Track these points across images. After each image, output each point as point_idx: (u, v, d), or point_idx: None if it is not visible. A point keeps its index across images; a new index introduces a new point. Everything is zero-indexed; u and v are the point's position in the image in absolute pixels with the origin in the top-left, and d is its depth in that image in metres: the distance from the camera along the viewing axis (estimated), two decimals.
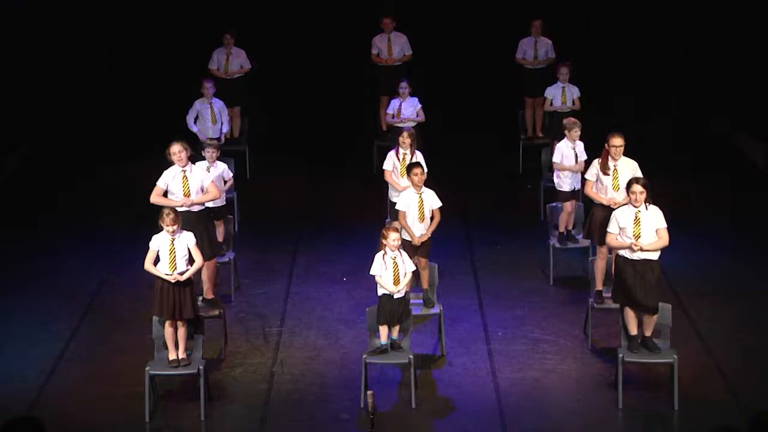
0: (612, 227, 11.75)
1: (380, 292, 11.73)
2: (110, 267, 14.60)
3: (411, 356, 11.63)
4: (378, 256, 11.71)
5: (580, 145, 14.39)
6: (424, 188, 12.79)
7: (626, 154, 13.06)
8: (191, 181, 12.46)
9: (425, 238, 12.76)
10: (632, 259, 11.58)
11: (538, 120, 18.05)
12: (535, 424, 11.41)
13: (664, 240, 11.63)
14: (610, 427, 11.40)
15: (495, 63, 19.39)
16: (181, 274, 11.43)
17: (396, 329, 11.75)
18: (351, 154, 18.65)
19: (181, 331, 11.53)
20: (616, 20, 20.58)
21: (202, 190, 12.55)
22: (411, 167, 12.88)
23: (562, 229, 14.25)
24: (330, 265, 14.85)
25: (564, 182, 14.28)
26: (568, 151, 14.34)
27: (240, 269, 14.18)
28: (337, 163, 18.42)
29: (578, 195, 14.38)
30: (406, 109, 16.57)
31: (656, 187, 16.87)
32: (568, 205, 14.22)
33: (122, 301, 13.69)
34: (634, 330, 11.65)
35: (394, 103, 16.68)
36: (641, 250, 11.51)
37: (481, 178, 17.84)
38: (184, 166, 12.43)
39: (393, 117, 16.61)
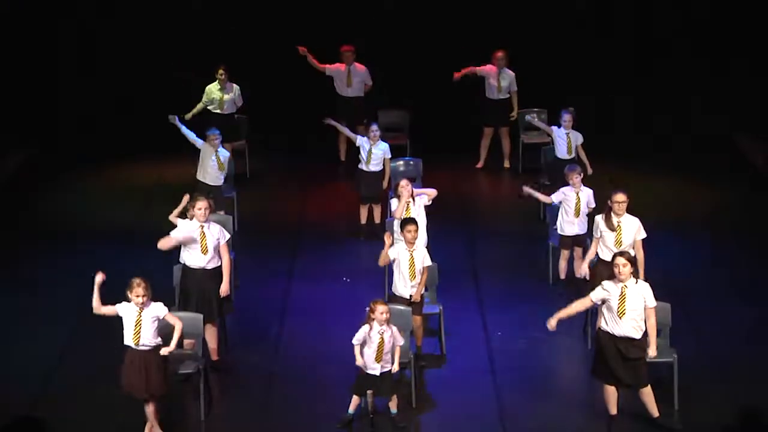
0: (596, 294, 10.99)
1: (359, 363, 11.14)
2: (110, 267, 14.55)
3: (411, 356, 11.62)
4: (363, 329, 11.07)
5: (585, 192, 13.77)
6: (416, 245, 12.27)
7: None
8: (209, 238, 12.09)
9: (418, 297, 12.16)
10: (614, 335, 10.97)
11: (506, 149, 17.97)
12: (535, 424, 11.42)
13: (652, 320, 10.94)
14: (610, 427, 11.39)
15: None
16: (161, 346, 10.83)
17: (393, 403, 11.28)
18: (352, 152, 18.57)
19: (151, 408, 10.99)
20: (616, 21, 20.56)
21: (217, 246, 12.19)
22: (404, 224, 12.37)
23: (563, 276, 13.93)
24: (330, 264, 14.85)
25: (565, 226, 13.77)
26: (570, 194, 13.71)
27: (240, 269, 14.17)
28: (337, 162, 18.40)
29: (580, 241, 13.83)
30: (376, 153, 15.59)
31: (656, 187, 17.03)
32: (566, 252, 13.86)
33: (122, 302, 13.63)
34: (613, 410, 11.15)
35: (363, 144, 15.64)
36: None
37: (481, 178, 17.82)
38: (203, 222, 12.10)
39: (362, 162, 15.60)
